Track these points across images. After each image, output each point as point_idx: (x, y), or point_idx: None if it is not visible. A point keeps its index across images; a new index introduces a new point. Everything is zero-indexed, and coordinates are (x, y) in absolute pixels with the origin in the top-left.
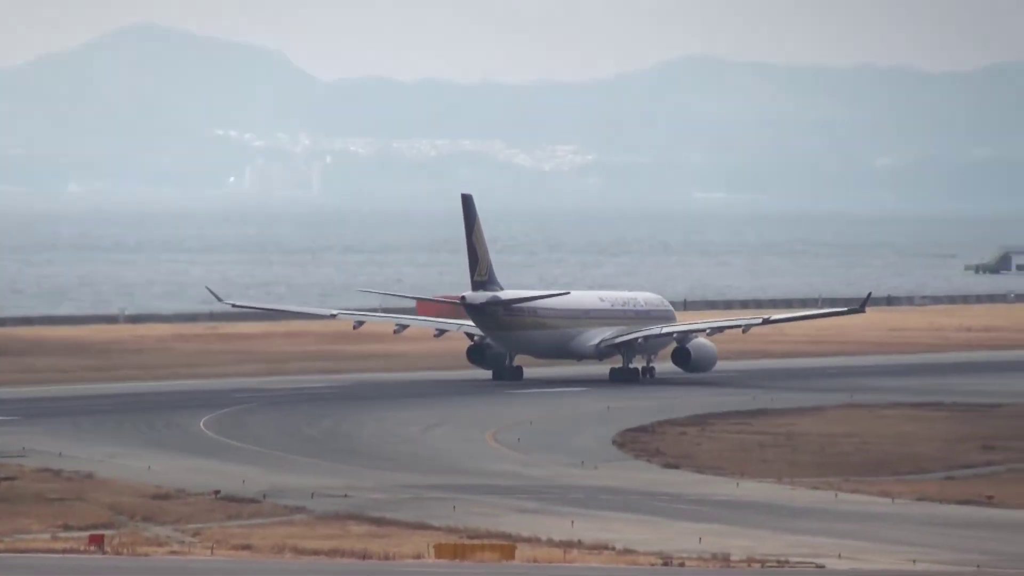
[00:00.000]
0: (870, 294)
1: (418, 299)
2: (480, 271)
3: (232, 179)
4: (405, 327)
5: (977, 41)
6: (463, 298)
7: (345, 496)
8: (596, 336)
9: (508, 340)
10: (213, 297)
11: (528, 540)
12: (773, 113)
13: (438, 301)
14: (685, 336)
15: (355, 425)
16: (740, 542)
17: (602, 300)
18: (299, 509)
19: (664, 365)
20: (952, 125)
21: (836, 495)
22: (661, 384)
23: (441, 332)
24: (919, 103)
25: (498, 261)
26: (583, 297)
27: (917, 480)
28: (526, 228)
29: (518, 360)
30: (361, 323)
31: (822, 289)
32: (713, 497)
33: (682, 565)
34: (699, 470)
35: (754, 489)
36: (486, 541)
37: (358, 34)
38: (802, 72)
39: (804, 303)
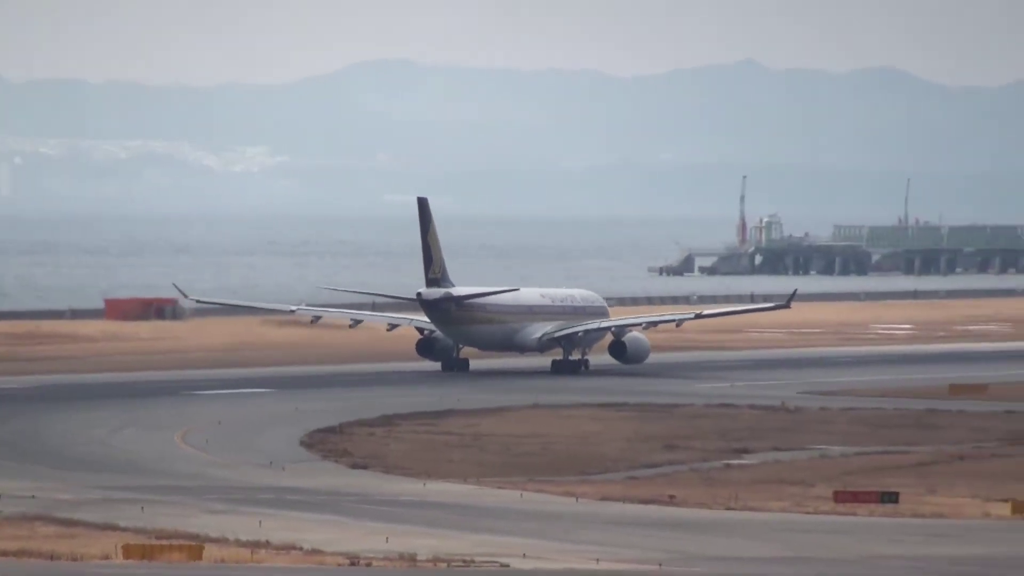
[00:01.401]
0: (795, 291)
1: (109, 300)
2: (434, 269)
3: None
4: (359, 322)
5: (662, 46)
6: (418, 294)
7: (32, 497)
8: (538, 330)
9: (458, 334)
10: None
11: (216, 540)
12: (465, 116)
13: (125, 301)
14: (622, 330)
15: (44, 426)
16: (427, 542)
17: (543, 296)
18: None
19: (601, 357)
20: (641, 129)
21: (521, 495)
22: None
23: (393, 327)
24: (607, 107)
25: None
26: (527, 294)
27: (601, 480)
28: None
29: (464, 352)
30: (319, 318)
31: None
32: (400, 497)
33: (369, 565)
34: (387, 470)
35: (441, 489)
36: (174, 542)
37: (46, 35)
38: (494, 75)
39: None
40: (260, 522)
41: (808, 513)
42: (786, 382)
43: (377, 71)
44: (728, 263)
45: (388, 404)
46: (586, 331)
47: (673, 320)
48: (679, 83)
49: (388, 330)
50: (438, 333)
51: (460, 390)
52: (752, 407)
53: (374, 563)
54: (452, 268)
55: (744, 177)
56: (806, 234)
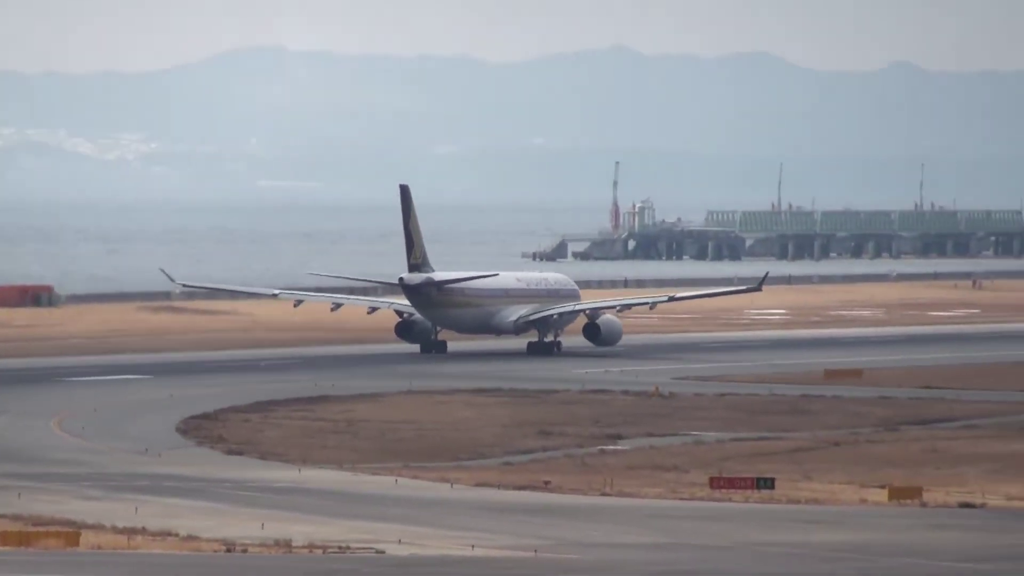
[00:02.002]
0: (767, 274)
1: None
2: (416, 255)
3: None
4: (340, 305)
5: (534, 32)
6: (401, 279)
7: None
8: (514, 313)
9: (438, 317)
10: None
11: (92, 527)
12: (337, 102)
13: (1, 288)
14: (595, 312)
15: None
16: (302, 528)
17: (519, 280)
18: None
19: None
20: (513, 114)
21: (396, 481)
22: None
23: (373, 310)
24: (480, 92)
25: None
26: (504, 278)
27: (476, 466)
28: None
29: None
30: (300, 302)
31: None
32: (276, 484)
33: (245, 551)
34: (262, 457)
35: (316, 475)
36: (50, 528)
37: None
38: (365, 60)
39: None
40: (136, 508)
41: (683, 499)
42: (660, 368)
43: (248, 57)
44: (601, 248)
45: (263, 390)
46: (560, 314)
47: (647, 303)
48: (551, 68)
49: (368, 313)
50: (416, 316)
51: (336, 376)
52: (626, 393)
53: (250, 549)
54: (324, 253)
55: (617, 163)
56: (679, 219)
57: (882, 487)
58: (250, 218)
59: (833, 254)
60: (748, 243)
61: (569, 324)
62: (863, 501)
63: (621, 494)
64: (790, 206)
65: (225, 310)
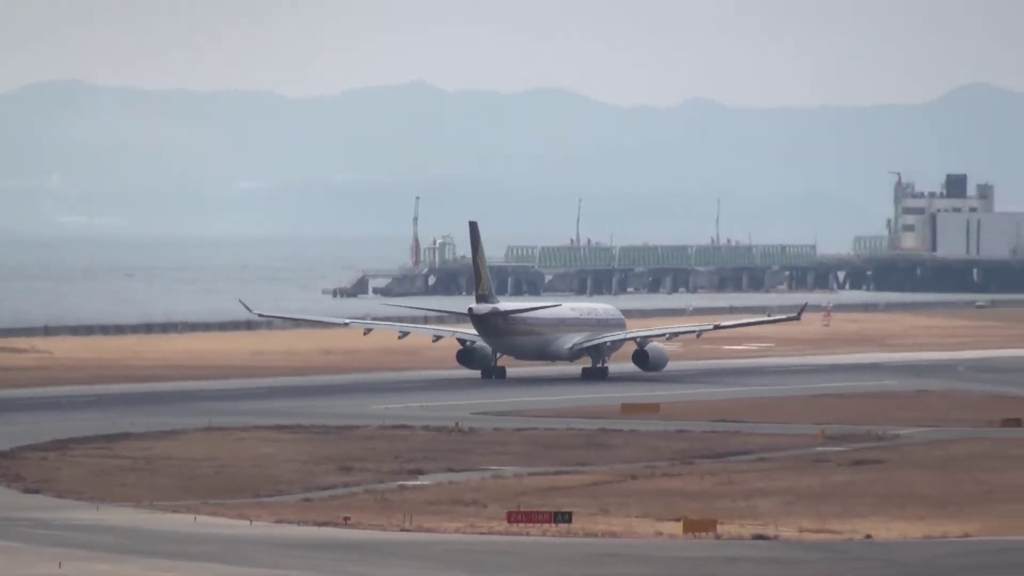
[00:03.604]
0: (806, 304)
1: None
2: (483, 287)
3: None
4: (407, 334)
5: (336, 67)
6: (470, 309)
7: None
8: (570, 341)
9: (502, 344)
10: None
11: None
12: (140, 137)
13: None
14: (645, 340)
15: None
16: (100, 567)
17: (573, 310)
18: None
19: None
20: (317, 149)
21: (195, 518)
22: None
23: (438, 338)
24: (284, 127)
25: None
26: (561, 309)
27: (275, 502)
28: None
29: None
30: (370, 330)
31: (190, 313)
32: (73, 522)
33: None
34: (59, 495)
35: (114, 513)
36: None
37: None
38: (168, 96)
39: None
40: None
41: (482, 534)
42: (461, 403)
43: (50, 92)
44: (402, 284)
45: (62, 428)
46: (612, 341)
47: (694, 331)
48: (352, 103)
49: (434, 341)
50: (478, 343)
51: (137, 414)
52: (426, 428)
53: None
54: (131, 288)
55: (417, 198)
56: None
57: (677, 520)
58: (47, 253)
59: (631, 288)
60: (547, 278)
61: (617, 351)
62: (658, 534)
63: (421, 529)
64: (589, 241)
65: (22, 347)
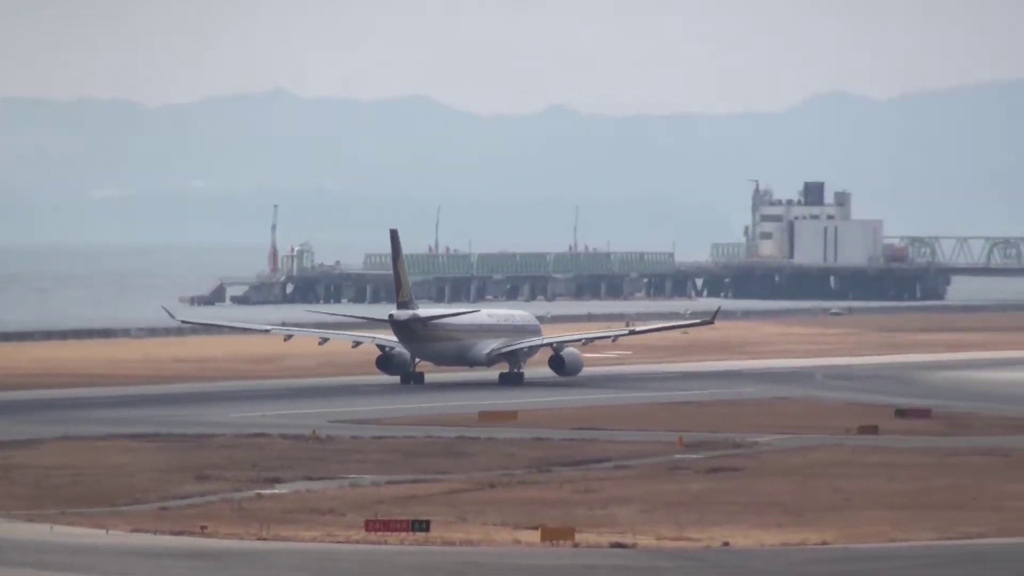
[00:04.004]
0: (719, 308)
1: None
2: (403, 293)
3: None
4: (326, 340)
5: (193, 76)
6: (390, 315)
7: None
8: (488, 347)
9: (421, 350)
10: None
11: None
12: None
13: None
14: (561, 346)
15: None
16: None
17: (491, 317)
18: None
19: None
20: (173, 158)
21: (52, 527)
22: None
23: (357, 344)
24: (138, 135)
25: None
26: (478, 315)
27: (132, 511)
28: None
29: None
30: (290, 336)
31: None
32: None
33: None
34: None
35: None
36: None
37: None
38: (21, 104)
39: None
40: None
41: (340, 542)
42: (318, 411)
43: None
44: (260, 292)
45: None
46: (531, 347)
47: (608, 336)
48: (211, 111)
49: (353, 347)
50: (397, 349)
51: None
52: (284, 436)
53: None
54: None
55: (276, 206)
56: (337, 263)
57: (535, 528)
58: None
59: (489, 296)
60: None
61: (533, 356)
62: (516, 542)
63: (278, 538)
64: (447, 248)
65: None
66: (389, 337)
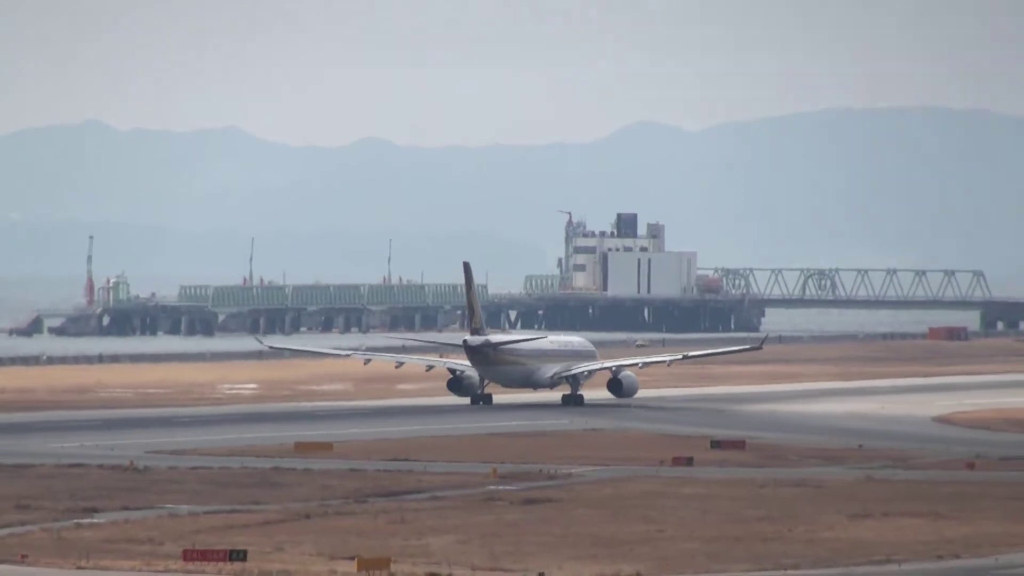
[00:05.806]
0: (767, 335)
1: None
2: (475, 320)
3: None
4: (402, 364)
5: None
6: (464, 341)
7: None
8: (550, 370)
9: (491, 373)
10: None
11: None
12: None
13: None
14: (619, 369)
15: None
16: None
17: (552, 343)
18: None
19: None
20: None
21: None
22: None
23: (430, 367)
24: None
25: None
26: (542, 341)
27: None
28: None
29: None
30: (369, 361)
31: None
32: None
33: None
34: None
35: None
36: None
37: None
38: None
39: None
40: None
41: (158, 572)
42: (136, 441)
43: None
44: (78, 324)
45: None
46: (590, 370)
47: (664, 361)
48: (22, 143)
49: (427, 370)
50: (467, 372)
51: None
52: (102, 467)
53: None
54: None
55: (91, 237)
56: (153, 295)
57: (351, 559)
58: None
59: (304, 328)
60: (221, 318)
61: (591, 379)
62: (332, 572)
63: (97, 567)
64: (262, 280)
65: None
66: (462, 361)
